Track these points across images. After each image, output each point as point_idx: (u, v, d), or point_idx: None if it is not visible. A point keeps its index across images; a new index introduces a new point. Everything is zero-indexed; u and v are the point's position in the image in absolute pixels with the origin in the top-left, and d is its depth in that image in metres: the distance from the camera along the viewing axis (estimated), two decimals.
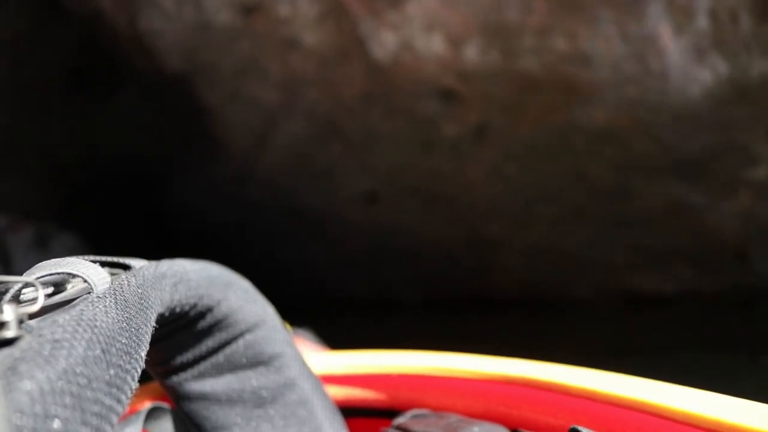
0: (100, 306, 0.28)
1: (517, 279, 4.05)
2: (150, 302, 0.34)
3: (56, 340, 0.24)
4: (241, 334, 0.45)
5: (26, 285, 0.27)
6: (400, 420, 0.49)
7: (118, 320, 0.28)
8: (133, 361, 0.29)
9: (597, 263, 3.77)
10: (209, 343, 0.44)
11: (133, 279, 0.33)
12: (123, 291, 0.31)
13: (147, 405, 0.48)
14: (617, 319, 3.55)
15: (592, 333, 3.10)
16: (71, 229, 3.69)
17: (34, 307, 0.27)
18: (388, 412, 0.54)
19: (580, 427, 0.40)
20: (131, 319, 0.30)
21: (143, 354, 0.31)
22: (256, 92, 3.51)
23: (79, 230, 3.73)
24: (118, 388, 0.26)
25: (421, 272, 4.23)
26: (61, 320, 0.25)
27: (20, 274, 0.29)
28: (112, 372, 0.26)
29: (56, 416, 0.21)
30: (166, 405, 0.47)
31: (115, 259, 0.36)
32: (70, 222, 3.75)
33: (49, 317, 0.26)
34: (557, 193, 3.57)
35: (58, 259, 0.31)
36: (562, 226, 3.70)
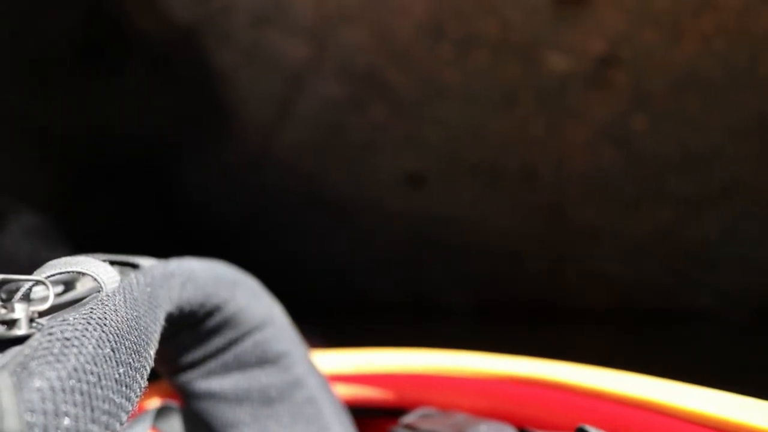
0: (110, 304, 0.28)
1: (609, 281, 3.13)
2: (159, 301, 0.34)
3: (66, 339, 0.24)
4: (248, 333, 0.45)
5: (36, 283, 0.28)
6: (407, 419, 0.49)
7: (128, 319, 0.29)
8: (142, 359, 0.29)
9: (736, 259, 2.69)
10: (217, 341, 0.44)
11: (141, 278, 0.33)
12: (132, 289, 0.31)
13: (156, 403, 0.48)
14: (755, 335, 2.52)
15: (719, 353, 2.33)
16: (71, 216, 3.46)
17: (44, 306, 0.27)
18: (395, 411, 0.55)
19: (587, 426, 0.40)
20: (140, 318, 0.30)
21: (152, 352, 0.31)
22: (278, 44, 2.75)
23: (81, 219, 3.53)
24: (128, 387, 0.26)
25: (475, 272, 3.42)
26: (71, 319, 0.25)
27: None
28: (121, 370, 0.26)
29: (66, 414, 0.21)
30: (175, 403, 0.48)
31: (125, 258, 0.36)
32: (71, 210, 3.56)
33: (59, 315, 0.27)
34: (704, 157, 2.44)
35: (68, 258, 0.31)
36: (696, 207, 2.59)
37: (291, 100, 2.95)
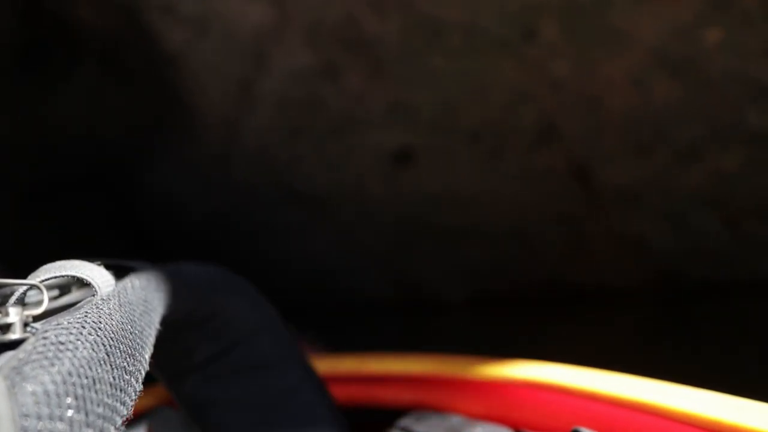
0: (104, 308, 0.28)
1: (648, 259, 2.23)
2: (154, 305, 0.34)
3: (61, 343, 0.24)
4: (245, 338, 0.45)
5: (31, 287, 0.28)
6: (403, 421, 0.49)
7: (122, 323, 0.29)
8: (137, 363, 0.29)
9: None
10: (213, 346, 0.44)
11: (137, 281, 0.33)
12: (127, 293, 0.31)
13: (151, 408, 0.48)
14: None
15: None
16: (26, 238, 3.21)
17: (39, 310, 0.27)
18: (391, 413, 0.55)
19: (582, 428, 0.40)
20: (135, 322, 0.30)
21: (147, 356, 0.31)
22: (235, 9, 2.36)
23: (23, 238, 3.24)
24: (122, 391, 0.26)
25: (476, 260, 2.78)
26: (65, 323, 0.25)
27: None
28: (116, 374, 0.26)
29: (61, 418, 0.21)
30: (170, 408, 0.48)
31: (120, 262, 0.36)
32: (23, 231, 3.29)
33: (53, 320, 0.27)
34: None
35: (62, 262, 0.31)
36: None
37: (253, 77, 2.43)
